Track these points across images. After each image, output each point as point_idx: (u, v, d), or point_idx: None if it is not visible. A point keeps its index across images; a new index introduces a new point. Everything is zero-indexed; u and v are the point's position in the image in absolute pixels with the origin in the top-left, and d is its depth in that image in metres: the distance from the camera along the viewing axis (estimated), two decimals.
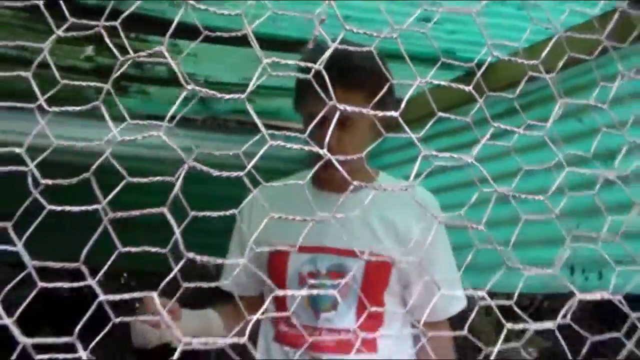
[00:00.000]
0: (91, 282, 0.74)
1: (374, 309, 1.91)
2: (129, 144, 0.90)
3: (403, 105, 0.99)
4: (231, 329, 2.04)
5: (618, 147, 1.14)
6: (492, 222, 1.04)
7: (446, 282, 1.94)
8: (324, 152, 0.93)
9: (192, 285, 0.90)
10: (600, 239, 1.08)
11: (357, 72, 1.76)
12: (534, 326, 0.92)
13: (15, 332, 0.67)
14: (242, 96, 0.83)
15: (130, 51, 0.98)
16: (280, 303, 1.98)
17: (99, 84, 0.90)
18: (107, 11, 0.97)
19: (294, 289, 1.93)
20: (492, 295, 1.07)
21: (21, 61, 2.75)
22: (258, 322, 2.08)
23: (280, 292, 0.86)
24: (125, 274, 6.67)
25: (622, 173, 1.09)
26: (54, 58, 2.69)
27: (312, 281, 1.88)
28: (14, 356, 0.74)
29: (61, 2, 0.97)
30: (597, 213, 1.19)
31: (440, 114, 0.99)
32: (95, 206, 0.81)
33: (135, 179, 0.90)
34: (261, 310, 0.92)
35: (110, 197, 0.83)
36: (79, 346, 0.70)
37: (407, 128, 0.94)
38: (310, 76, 0.99)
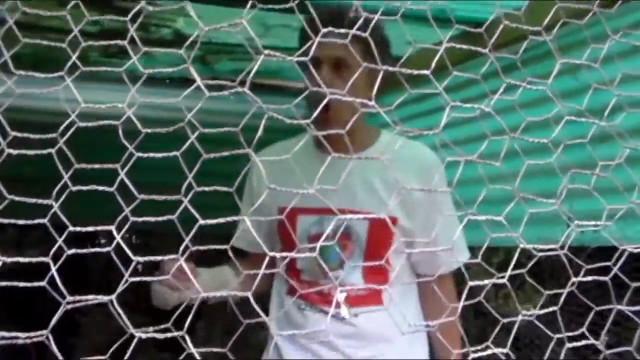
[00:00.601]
0: (119, 240, 0.79)
1: (378, 263, 1.96)
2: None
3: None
4: (246, 284, 2.10)
5: (608, 103, 1.18)
6: (495, 177, 1.09)
7: (449, 237, 1.98)
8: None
9: (202, 248, 0.93)
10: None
11: (353, 22, 1.75)
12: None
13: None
14: (242, 89, 0.86)
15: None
16: (291, 262, 2.05)
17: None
18: None
19: (304, 249, 1.99)
20: (493, 250, 1.12)
21: (26, 26, 2.78)
22: (272, 277, 2.15)
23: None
24: (131, 235, 6.72)
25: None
26: (58, 22, 2.72)
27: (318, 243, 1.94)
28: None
29: None
30: (592, 168, 1.23)
31: (457, 72, 1.03)
32: (111, 165, 0.84)
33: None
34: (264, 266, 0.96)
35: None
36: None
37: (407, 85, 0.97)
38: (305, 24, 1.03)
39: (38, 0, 2.44)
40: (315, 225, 2.01)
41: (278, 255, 0.94)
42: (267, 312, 1.98)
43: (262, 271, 0.92)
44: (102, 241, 6.70)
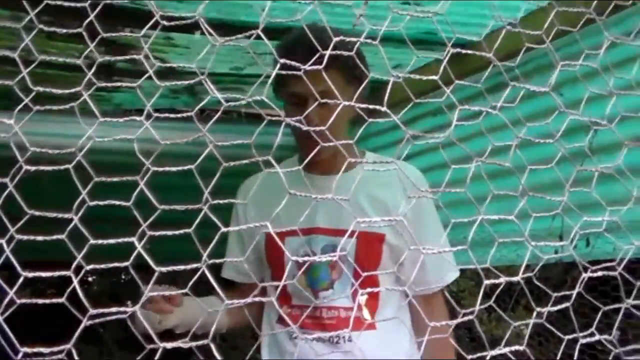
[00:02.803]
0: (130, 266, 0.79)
1: (368, 290, 1.97)
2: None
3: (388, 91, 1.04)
4: (234, 315, 2.10)
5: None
6: (481, 197, 1.09)
7: (437, 255, 1.98)
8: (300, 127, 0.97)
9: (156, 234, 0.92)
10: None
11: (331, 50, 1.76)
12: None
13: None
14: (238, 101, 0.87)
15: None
16: (282, 287, 2.02)
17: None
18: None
19: (293, 272, 1.99)
20: (486, 270, 1.12)
21: (14, 59, 2.78)
22: (262, 307, 2.14)
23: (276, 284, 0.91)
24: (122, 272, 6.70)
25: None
26: (46, 57, 2.73)
27: (306, 258, 1.94)
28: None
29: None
30: (583, 184, 1.24)
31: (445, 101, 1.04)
32: (115, 202, 0.85)
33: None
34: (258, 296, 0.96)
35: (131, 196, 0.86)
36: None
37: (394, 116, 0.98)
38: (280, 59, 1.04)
39: (25, 30, 2.46)
40: (303, 246, 2.00)
41: (268, 284, 0.95)
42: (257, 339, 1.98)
43: (247, 300, 0.91)
44: (90, 279, 6.72)
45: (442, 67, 1.03)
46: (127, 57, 1.02)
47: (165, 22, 0.97)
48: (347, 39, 1.10)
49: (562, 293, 1.10)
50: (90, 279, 6.70)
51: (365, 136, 3.84)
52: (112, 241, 0.83)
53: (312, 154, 1.25)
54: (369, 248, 1.98)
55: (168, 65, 2.73)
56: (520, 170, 1.19)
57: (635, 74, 1.41)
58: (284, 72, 1.13)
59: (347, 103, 1.07)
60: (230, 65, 3.23)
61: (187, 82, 0.95)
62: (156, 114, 0.97)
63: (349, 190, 1.76)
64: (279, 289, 2.00)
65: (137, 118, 0.93)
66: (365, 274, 1.71)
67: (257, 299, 0.96)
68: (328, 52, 1.04)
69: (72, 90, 0.94)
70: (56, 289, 6.45)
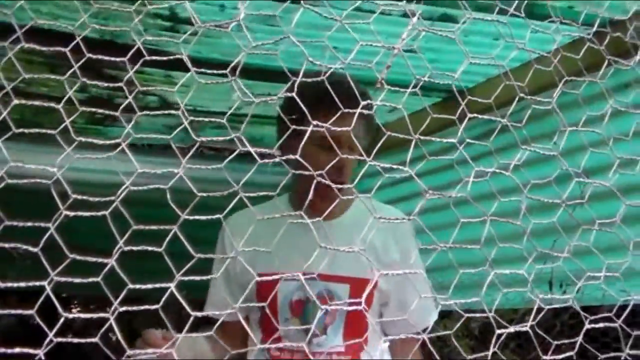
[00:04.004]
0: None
1: (361, 338, 1.99)
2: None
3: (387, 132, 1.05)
4: (218, 353, 2.09)
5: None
6: (470, 242, 1.11)
7: (420, 299, 2.00)
8: (315, 176, 0.98)
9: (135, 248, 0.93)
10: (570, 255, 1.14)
11: (354, 98, 1.75)
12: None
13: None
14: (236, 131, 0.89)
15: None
16: (271, 328, 2.04)
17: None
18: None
19: (285, 315, 2.01)
20: (471, 312, 1.13)
21: (16, 92, 2.80)
22: (246, 344, 2.13)
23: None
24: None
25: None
26: (46, 89, 2.76)
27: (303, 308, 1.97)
28: None
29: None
30: (572, 230, 1.26)
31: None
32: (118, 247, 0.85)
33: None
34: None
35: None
36: None
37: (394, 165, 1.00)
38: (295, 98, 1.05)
39: (27, 64, 2.49)
40: (297, 291, 2.01)
41: (259, 345, 0.95)
42: None
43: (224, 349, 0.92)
44: (75, 310, 6.64)
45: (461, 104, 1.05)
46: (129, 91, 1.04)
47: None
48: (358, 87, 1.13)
49: (561, 341, 1.10)
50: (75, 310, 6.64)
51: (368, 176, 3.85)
52: (149, 286, 0.84)
53: (307, 196, 1.26)
54: (362, 293, 1.99)
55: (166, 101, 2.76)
56: (514, 215, 1.20)
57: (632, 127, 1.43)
58: (305, 111, 1.15)
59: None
60: (227, 104, 3.26)
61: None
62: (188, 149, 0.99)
63: (345, 235, 1.77)
64: (266, 330, 2.00)
65: (175, 170, 0.95)
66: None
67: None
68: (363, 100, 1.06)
69: (112, 141, 0.96)
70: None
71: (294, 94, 1.09)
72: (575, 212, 1.31)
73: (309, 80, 1.25)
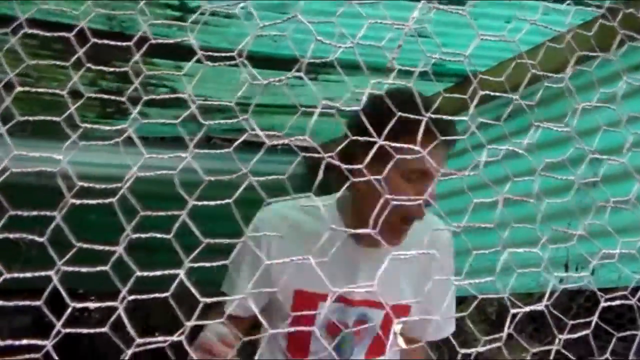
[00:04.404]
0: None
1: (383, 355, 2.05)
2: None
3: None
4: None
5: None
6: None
7: (445, 312, 2.05)
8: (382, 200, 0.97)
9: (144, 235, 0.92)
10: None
11: (451, 128, 1.69)
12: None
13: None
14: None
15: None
16: (304, 342, 2.04)
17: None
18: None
19: (320, 333, 2.01)
20: (487, 299, 1.13)
21: (26, 86, 2.81)
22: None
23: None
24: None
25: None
26: (56, 84, 2.76)
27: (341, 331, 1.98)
28: None
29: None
30: (586, 212, 1.25)
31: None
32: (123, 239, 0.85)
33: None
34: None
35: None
36: None
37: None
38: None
39: (34, 57, 2.49)
40: (335, 313, 2.00)
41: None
42: None
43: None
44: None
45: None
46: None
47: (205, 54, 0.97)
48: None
49: (577, 321, 1.10)
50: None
51: None
52: (158, 273, 0.83)
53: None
54: (395, 318, 2.03)
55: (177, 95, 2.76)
56: (530, 197, 1.20)
57: None
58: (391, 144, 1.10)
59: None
60: (237, 94, 3.25)
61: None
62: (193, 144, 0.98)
63: (395, 262, 1.74)
64: (292, 340, 2.04)
65: (182, 155, 0.94)
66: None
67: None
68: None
69: (118, 127, 0.95)
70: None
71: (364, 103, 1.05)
72: (589, 194, 1.30)
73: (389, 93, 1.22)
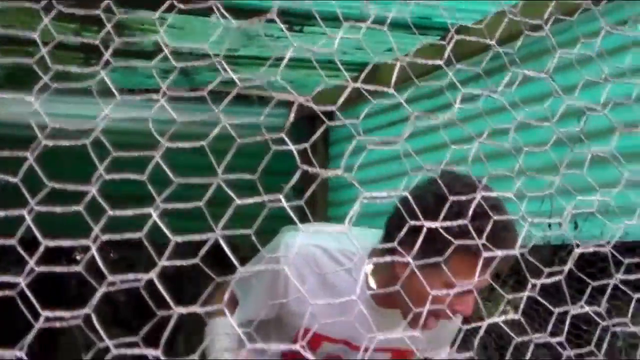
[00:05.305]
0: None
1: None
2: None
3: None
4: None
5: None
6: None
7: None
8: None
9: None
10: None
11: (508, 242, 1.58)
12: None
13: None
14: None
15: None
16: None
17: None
18: None
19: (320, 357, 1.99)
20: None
21: (9, 39, 2.78)
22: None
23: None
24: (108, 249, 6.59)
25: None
26: (41, 35, 2.71)
27: None
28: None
29: None
30: (573, 168, 1.25)
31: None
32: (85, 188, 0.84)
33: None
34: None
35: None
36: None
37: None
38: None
39: (17, 11, 2.46)
40: (336, 352, 2.00)
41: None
42: None
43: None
44: (78, 257, 6.63)
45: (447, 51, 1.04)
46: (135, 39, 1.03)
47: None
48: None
49: (552, 269, 1.11)
50: (78, 257, 6.65)
51: (366, 116, 3.82)
52: (129, 212, 0.82)
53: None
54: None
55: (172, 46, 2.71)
56: (516, 153, 1.20)
57: (629, 61, 1.42)
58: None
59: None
60: (223, 46, 3.23)
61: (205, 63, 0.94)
62: (170, 93, 0.96)
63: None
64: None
65: (155, 96, 0.93)
66: None
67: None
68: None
69: (90, 69, 0.93)
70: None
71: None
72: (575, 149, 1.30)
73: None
